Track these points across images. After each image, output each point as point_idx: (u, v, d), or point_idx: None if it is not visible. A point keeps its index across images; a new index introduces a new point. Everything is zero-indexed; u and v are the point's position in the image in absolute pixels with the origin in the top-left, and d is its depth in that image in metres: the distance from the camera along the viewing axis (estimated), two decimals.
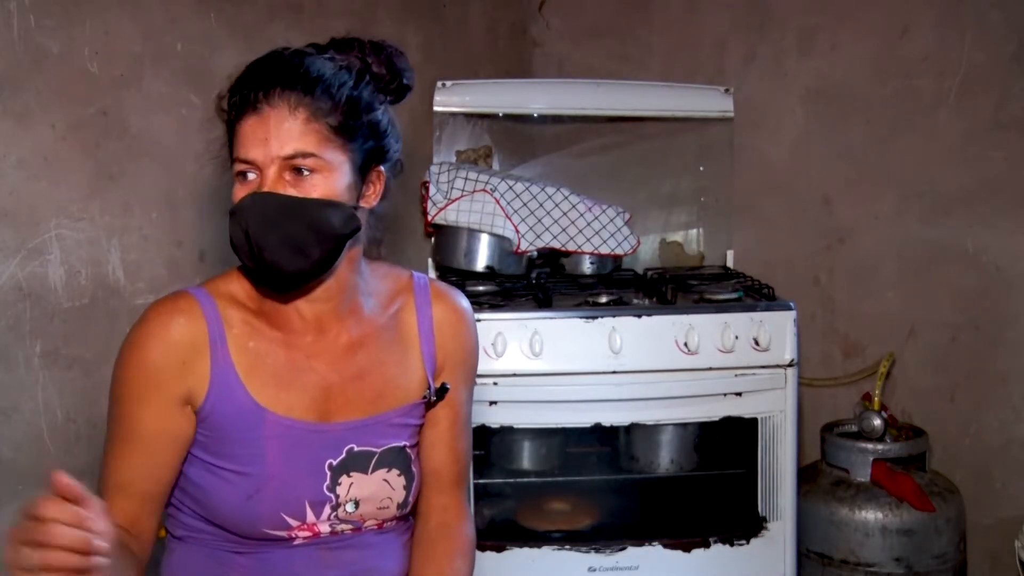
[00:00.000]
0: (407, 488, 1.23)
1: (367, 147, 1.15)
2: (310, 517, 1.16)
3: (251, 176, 1.10)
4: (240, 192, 1.10)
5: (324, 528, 1.17)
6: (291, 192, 1.09)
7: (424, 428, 1.29)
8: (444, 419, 1.29)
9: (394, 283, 1.28)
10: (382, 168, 1.19)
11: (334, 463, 1.17)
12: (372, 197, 1.18)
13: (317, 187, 1.09)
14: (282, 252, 1.08)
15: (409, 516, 1.31)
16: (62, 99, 1.49)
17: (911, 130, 2.38)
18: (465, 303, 1.32)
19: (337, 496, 1.17)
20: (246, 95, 1.09)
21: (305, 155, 1.08)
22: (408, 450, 1.24)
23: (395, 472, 1.21)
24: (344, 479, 1.17)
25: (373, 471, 1.19)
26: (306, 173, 1.09)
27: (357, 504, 1.18)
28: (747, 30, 2.55)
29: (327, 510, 1.17)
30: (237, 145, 1.10)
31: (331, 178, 1.10)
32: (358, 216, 1.14)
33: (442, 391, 1.26)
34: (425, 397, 1.25)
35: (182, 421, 1.13)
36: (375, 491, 1.20)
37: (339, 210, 1.11)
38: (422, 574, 1.25)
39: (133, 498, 1.13)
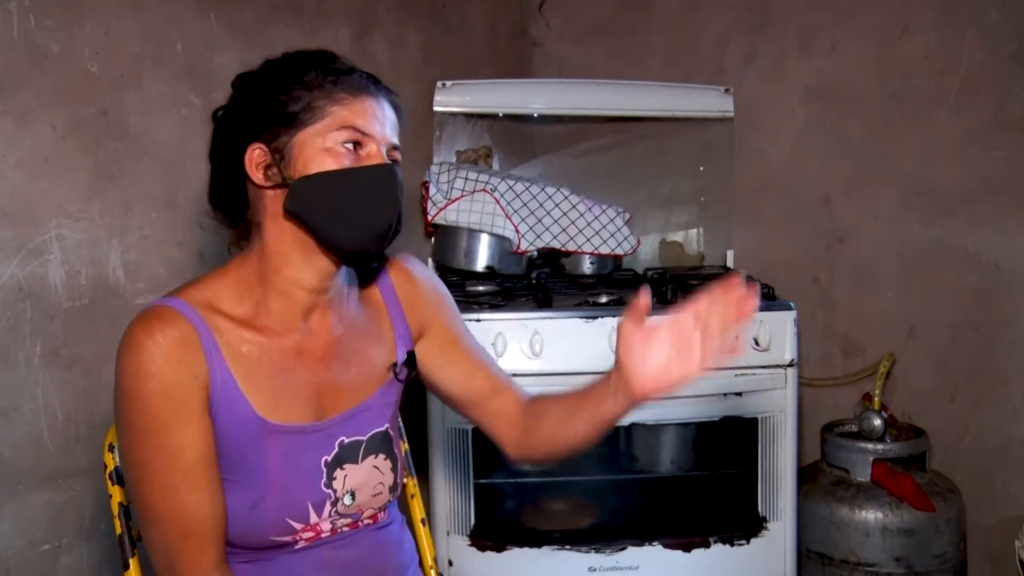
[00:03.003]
0: (394, 470, 1.24)
1: None
2: (312, 518, 1.16)
3: (362, 151, 1.12)
4: (345, 159, 1.11)
5: (325, 526, 1.18)
6: None
7: (437, 373, 1.32)
8: (450, 352, 1.32)
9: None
10: None
11: (328, 459, 1.17)
12: None
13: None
14: (390, 227, 1.13)
15: (399, 510, 1.32)
16: (62, 99, 1.49)
17: (911, 130, 2.38)
18: (411, 258, 1.34)
19: (335, 491, 1.17)
20: (365, 77, 1.14)
21: (400, 150, 1.17)
22: (390, 432, 1.25)
23: (382, 456, 1.22)
24: (338, 472, 1.18)
25: (363, 459, 1.20)
26: (396, 166, 1.16)
27: (353, 495, 1.19)
28: (747, 30, 2.55)
29: (327, 507, 1.17)
30: (350, 115, 1.11)
31: None
32: None
33: (411, 360, 1.27)
34: (392, 370, 1.25)
35: (212, 432, 1.10)
36: (367, 478, 1.20)
37: None
38: (543, 425, 1.30)
39: (206, 536, 1.08)
